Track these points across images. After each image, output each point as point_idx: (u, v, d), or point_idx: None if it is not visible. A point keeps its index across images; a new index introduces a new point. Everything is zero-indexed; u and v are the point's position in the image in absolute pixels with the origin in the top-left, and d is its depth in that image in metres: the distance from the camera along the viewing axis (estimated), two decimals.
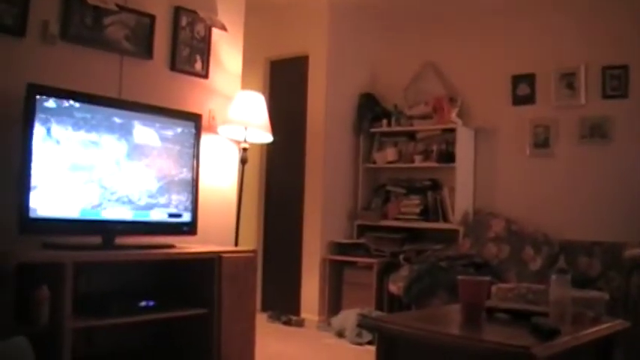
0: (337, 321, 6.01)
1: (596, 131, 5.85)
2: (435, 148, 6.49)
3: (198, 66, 4.89)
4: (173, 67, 4.72)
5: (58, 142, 3.63)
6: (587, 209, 5.83)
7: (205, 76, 4.95)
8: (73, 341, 3.41)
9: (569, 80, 6.00)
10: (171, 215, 4.24)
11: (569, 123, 5.98)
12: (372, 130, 6.92)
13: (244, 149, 5.11)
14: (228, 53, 5.17)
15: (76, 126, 3.72)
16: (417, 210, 6.48)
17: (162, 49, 4.65)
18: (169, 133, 4.23)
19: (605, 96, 5.80)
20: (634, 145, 5.66)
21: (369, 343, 5.46)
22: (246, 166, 5.20)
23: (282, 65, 7.20)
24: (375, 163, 6.92)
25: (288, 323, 6.43)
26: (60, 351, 3.34)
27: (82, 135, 3.75)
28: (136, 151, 4.03)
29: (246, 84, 5.50)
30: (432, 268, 5.48)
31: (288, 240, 6.86)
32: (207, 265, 4.18)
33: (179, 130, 4.29)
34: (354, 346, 5.56)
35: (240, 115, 4.93)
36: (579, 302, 2.97)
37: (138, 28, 4.43)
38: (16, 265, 3.18)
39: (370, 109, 6.98)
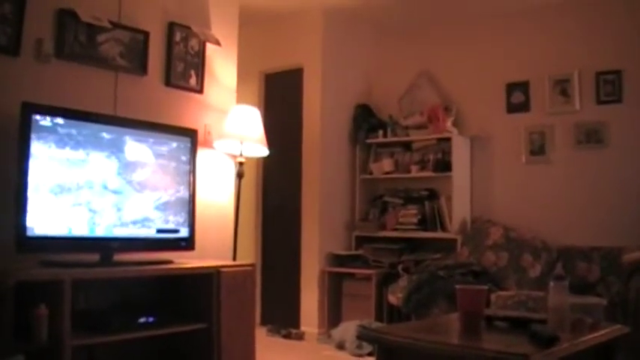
0: (337, 333, 6.00)
1: (591, 137, 5.86)
2: (431, 157, 6.50)
3: (192, 81, 4.90)
4: (168, 82, 4.73)
5: (54, 160, 3.64)
6: (585, 214, 5.84)
7: (200, 91, 4.96)
8: (72, 358, 3.41)
9: (563, 86, 6.02)
10: (168, 231, 4.24)
11: (565, 129, 6.00)
12: (368, 141, 6.93)
13: (240, 163, 5.11)
14: (222, 67, 5.19)
15: (73, 143, 3.73)
16: (415, 220, 6.48)
17: (157, 64, 4.66)
18: (165, 148, 4.24)
19: (600, 101, 5.82)
20: (629, 149, 5.68)
21: (370, 354, 5.45)
22: (243, 180, 5.20)
23: (277, 78, 7.21)
24: (371, 173, 6.92)
25: (288, 336, 6.41)
26: None
27: (78, 152, 3.75)
28: (133, 168, 4.04)
29: (241, 98, 5.51)
30: (431, 278, 5.48)
31: (287, 253, 6.85)
32: (206, 279, 4.18)
33: (175, 145, 4.30)
34: (354, 357, 5.55)
35: (235, 129, 4.94)
36: (578, 308, 2.98)
37: (132, 45, 4.45)
38: (14, 283, 3.18)
39: (366, 120, 6.98)
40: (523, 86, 6.27)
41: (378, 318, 6.12)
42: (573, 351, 2.59)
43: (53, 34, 4.00)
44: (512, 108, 6.34)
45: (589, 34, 5.92)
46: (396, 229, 6.61)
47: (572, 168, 5.96)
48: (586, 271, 5.36)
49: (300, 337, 6.40)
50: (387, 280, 6.15)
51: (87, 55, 4.17)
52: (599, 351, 2.96)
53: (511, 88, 6.34)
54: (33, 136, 3.54)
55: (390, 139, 6.83)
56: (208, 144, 4.98)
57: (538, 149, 6.16)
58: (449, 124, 6.44)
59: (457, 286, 2.91)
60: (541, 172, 6.14)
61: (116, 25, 4.33)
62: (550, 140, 6.09)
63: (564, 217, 5.93)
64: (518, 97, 6.30)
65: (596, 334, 2.82)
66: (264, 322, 6.82)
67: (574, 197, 5.92)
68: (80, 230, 3.76)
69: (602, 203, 5.76)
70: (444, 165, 6.37)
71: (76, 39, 4.11)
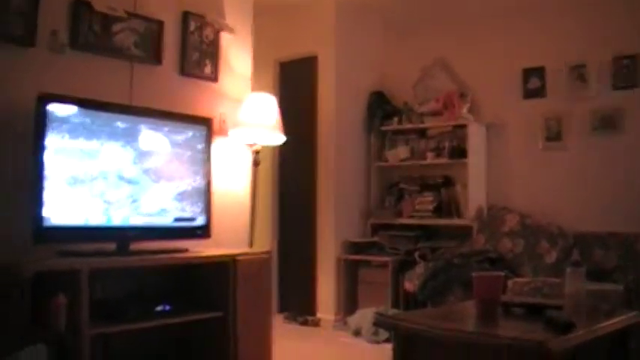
0: (353, 320, 6.01)
1: (607, 122, 5.82)
2: (446, 144, 6.48)
3: (207, 70, 4.90)
4: (183, 71, 4.74)
5: (70, 150, 3.65)
6: (602, 201, 5.80)
7: (215, 79, 4.96)
8: (91, 347, 3.44)
9: (579, 72, 5.97)
10: (184, 219, 4.26)
11: (581, 115, 5.96)
12: (383, 128, 6.92)
13: (256, 151, 5.12)
14: (237, 56, 5.19)
15: (88, 133, 3.75)
16: (431, 207, 6.47)
17: (172, 54, 4.67)
18: (181, 137, 4.25)
19: (616, 87, 5.77)
20: None
21: (386, 341, 5.45)
22: (259, 168, 5.21)
23: (292, 66, 7.21)
24: (387, 161, 6.91)
25: (304, 324, 6.44)
26: (78, 357, 3.37)
27: (94, 142, 3.77)
28: (148, 157, 4.05)
29: (256, 86, 5.51)
30: (447, 265, 5.48)
31: (303, 240, 6.87)
32: (222, 268, 4.20)
33: (190, 134, 4.31)
34: (370, 344, 5.57)
35: (251, 117, 4.94)
36: (594, 295, 2.97)
37: (147, 34, 4.45)
38: (32, 273, 3.20)
39: (380, 108, 6.97)
40: (539, 72, 6.23)
41: (394, 305, 6.13)
42: (589, 337, 2.58)
43: (68, 25, 4.01)
44: (528, 94, 6.30)
45: (605, 19, 5.86)
46: (411, 217, 6.61)
47: (588, 154, 5.92)
48: (602, 258, 5.33)
49: (316, 324, 6.43)
50: (403, 267, 6.15)
51: (102, 45, 4.18)
52: (615, 338, 2.95)
53: (527, 73, 6.30)
54: (48, 126, 3.56)
55: (405, 126, 6.81)
56: (224, 132, 4.99)
57: (554, 135, 6.12)
58: (464, 110, 6.42)
59: (473, 274, 2.91)
60: (557, 159, 6.11)
61: (131, 15, 4.33)
62: (566, 126, 6.05)
63: (581, 204, 5.90)
64: (534, 83, 6.26)
65: (612, 321, 2.82)
66: (280, 310, 6.85)
67: (591, 183, 5.88)
68: (96, 220, 3.78)
69: (619, 189, 5.72)
70: (460, 152, 6.35)
71: (90, 29, 4.12)
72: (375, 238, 6.67)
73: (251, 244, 5.14)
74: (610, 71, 5.80)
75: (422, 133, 6.77)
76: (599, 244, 5.40)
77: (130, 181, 3.95)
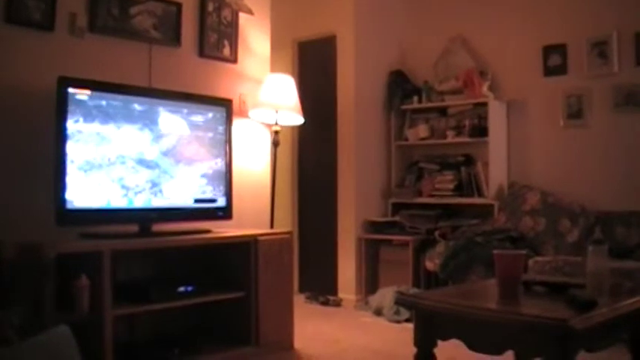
0: (374, 300, 6.03)
1: (630, 99, 5.75)
2: (467, 123, 6.44)
3: (226, 51, 4.91)
4: (202, 53, 4.75)
5: (90, 133, 3.68)
6: (624, 179, 5.74)
7: (234, 60, 4.97)
8: (114, 328, 3.48)
9: (601, 48, 5.90)
10: (206, 201, 4.28)
11: (603, 92, 5.89)
12: (403, 107, 6.89)
13: (276, 132, 5.13)
14: (255, 37, 5.19)
15: (108, 116, 3.77)
16: (451, 186, 6.45)
17: (190, 35, 4.68)
18: (201, 119, 4.26)
19: (639, 63, 5.70)
20: None
21: (407, 320, 5.47)
22: (279, 149, 5.22)
23: (310, 46, 7.19)
24: (407, 140, 6.89)
25: (325, 303, 6.46)
26: (102, 338, 3.41)
27: (113, 125, 3.79)
28: (169, 139, 4.07)
29: (274, 67, 5.51)
30: (468, 244, 5.47)
31: (323, 220, 6.88)
32: (244, 248, 4.23)
33: (210, 115, 4.33)
34: (392, 323, 5.58)
35: (270, 98, 4.95)
36: (617, 273, 2.95)
37: (165, 16, 4.46)
38: (55, 256, 3.24)
39: (400, 87, 6.94)
40: (560, 49, 6.16)
41: (415, 284, 6.13)
42: (612, 315, 2.57)
43: (86, 8, 4.03)
44: (549, 71, 6.23)
45: None
46: (432, 196, 6.59)
47: (610, 131, 5.86)
48: (624, 236, 5.30)
49: (337, 303, 6.44)
50: (424, 246, 6.15)
51: (120, 28, 4.20)
52: (638, 316, 2.94)
53: (548, 50, 6.23)
54: (69, 110, 3.58)
55: (425, 104, 6.78)
56: (243, 113, 5.00)
57: (575, 113, 6.06)
58: (485, 88, 6.37)
59: (495, 252, 2.90)
60: (579, 136, 6.05)
61: None
62: (588, 103, 5.99)
63: (602, 182, 5.85)
64: (555, 60, 6.20)
65: (635, 299, 2.80)
66: (301, 290, 6.88)
67: (612, 161, 5.83)
68: (118, 202, 3.81)
69: None
70: (480, 130, 6.31)
71: (109, 12, 4.13)
72: (396, 218, 6.66)
73: (272, 225, 5.16)
74: (633, 47, 5.72)
75: (442, 111, 6.74)
76: (621, 222, 5.37)
77: (150, 164, 3.97)
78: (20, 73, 3.72)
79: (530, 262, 4.99)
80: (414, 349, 2.85)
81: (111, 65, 4.13)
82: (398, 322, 5.58)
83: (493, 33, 6.58)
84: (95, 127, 3.70)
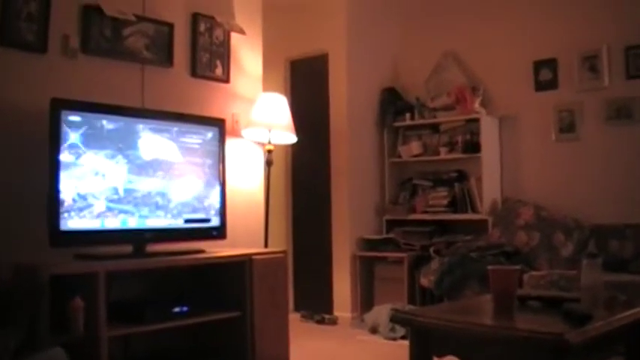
0: (370, 317, 6.01)
1: (621, 112, 5.78)
2: (459, 138, 6.46)
3: (218, 71, 4.92)
4: (194, 73, 4.76)
5: (84, 154, 3.67)
6: (617, 191, 5.76)
7: (226, 80, 4.98)
8: (109, 348, 3.46)
9: (591, 62, 5.94)
10: (200, 220, 4.27)
11: (594, 106, 5.92)
12: (396, 124, 6.91)
13: (269, 151, 5.13)
14: (248, 56, 5.20)
15: (102, 137, 3.77)
16: (445, 202, 6.46)
17: (183, 56, 4.69)
18: (194, 139, 4.26)
19: (630, 76, 5.73)
20: None
21: (403, 337, 5.46)
22: (272, 168, 5.23)
23: (303, 64, 7.21)
24: (400, 157, 6.90)
25: (321, 322, 6.44)
26: (97, 359, 3.39)
27: (108, 146, 3.79)
28: (162, 159, 4.07)
29: (267, 85, 5.52)
30: (463, 260, 5.47)
31: (318, 239, 6.87)
32: (238, 267, 4.21)
33: (203, 135, 4.33)
34: (388, 341, 5.57)
35: (263, 117, 4.96)
36: (612, 286, 2.95)
37: (157, 37, 4.47)
38: (49, 277, 3.23)
39: (393, 104, 6.96)
40: (551, 63, 6.20)
41: (411, 301, 6.12)
42: (607, 329, 2.57)
43: (79, 30, 4.04)
44: (540, 86, 6.27)
45: (617, 8, 5.82)
46: (426, 212, 6.60)
47: (602, 145, 5.88)
48: (619, 249, 5.31)
49: (333, 322, 6.43)
50: (419, 263, 6.14)
51: (113, 49, 4.21)
52: (633, 328, 2.94)
53: (539, 65, 6.27)
54: (62, 131, 3.58)
55: (418, 121, 6.80)
56: (236, 133, 5.01)
57: (567, 127, 6.09)
58: (476, 104, 6.39)
59: (489, 267, 2.91)
60: (571, 150, 6.08)
61: (141, 18, 4.35)
62: (579, 117, 6.02)
63: (596, 195, 5.87)
64: (546, 75, 6.23)
65: (630, 312, 2.80)
66: (297, 309, 6.86)
67: (605, 174, 5.84)
68: (112, 223, 3.80)
69: (634, 180, 5.67)
70: (473, 146, 6.33)
71: (101, 34, 4.14)
72: (390, 235, 6.66)
73: (266, 244, 5.16)
74: (623, 60, 5.76)
75: (434, 128, 6.76)
76: (616, 235, 5.38)
77: (144, 184, 3.96)
78: (13, 94, 3.71)
79: (525, 276, 4.99)
80: None
81: (104, 86, 4.13)
82: (394, 339, 5.57)
83: (484, 49, 6.62)
84: (89, 147, 3.69)
